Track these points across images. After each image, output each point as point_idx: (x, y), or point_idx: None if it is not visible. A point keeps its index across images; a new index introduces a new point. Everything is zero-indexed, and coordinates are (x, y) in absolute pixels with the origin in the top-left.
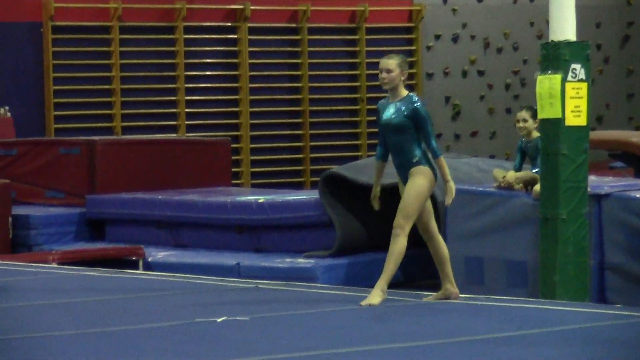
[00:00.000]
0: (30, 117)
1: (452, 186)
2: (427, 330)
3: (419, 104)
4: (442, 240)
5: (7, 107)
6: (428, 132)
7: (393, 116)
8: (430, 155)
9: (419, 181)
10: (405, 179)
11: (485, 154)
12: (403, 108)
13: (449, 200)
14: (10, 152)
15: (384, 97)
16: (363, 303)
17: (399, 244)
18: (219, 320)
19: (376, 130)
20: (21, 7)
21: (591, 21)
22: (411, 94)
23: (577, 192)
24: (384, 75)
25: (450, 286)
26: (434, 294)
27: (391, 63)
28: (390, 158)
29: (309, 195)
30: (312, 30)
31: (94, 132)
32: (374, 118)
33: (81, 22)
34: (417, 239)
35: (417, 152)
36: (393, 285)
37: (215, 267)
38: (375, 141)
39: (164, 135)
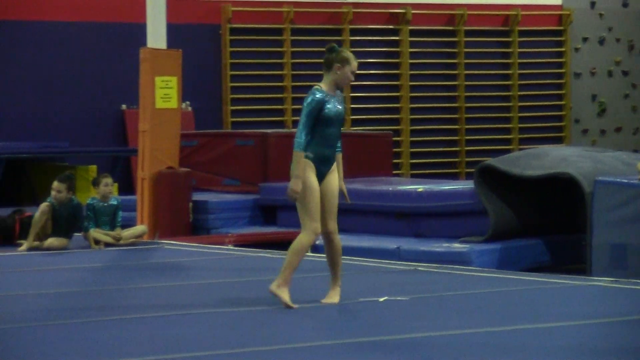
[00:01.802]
0: (209, 111)
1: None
2: (570, 311)
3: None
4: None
5: (188, 102)
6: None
7: (341, 107)
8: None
9: (337, 181)
10: (323, 174)
11: (629, 148)
12: (341, 99)
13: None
14: (191, 143)
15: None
16: (324, 301)
17: (338, 242)
18: (381, 300)
19: (529, 125)
20: (202, 11)
21: None
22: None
23: None
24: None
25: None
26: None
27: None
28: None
29: (464, 185)
30: (468, 33)
31: (267, 125)
32: (527, 114)
33: (256, 25)
34: (567, 226)
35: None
36: (540, 269)
37: (377, 250)
38: (527, 135)
39: None
